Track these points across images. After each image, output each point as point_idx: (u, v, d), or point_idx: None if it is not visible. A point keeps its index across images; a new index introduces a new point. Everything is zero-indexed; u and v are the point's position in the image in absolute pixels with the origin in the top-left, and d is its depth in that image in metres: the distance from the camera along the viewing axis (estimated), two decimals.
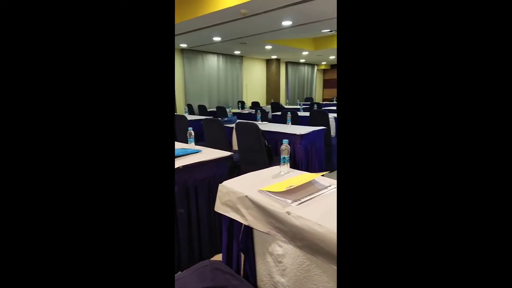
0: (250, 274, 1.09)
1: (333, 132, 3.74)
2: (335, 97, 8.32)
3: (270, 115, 4.88)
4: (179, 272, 1.50)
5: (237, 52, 6.60)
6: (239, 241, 1.12)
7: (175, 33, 4.26)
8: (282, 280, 0.97)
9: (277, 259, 0.98)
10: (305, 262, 0.89)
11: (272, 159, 2.37)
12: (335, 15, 3.34)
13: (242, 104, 6.30)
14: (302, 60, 8.46)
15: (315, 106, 5.98)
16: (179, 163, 1.51)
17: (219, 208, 1.19)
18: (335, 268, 0.80)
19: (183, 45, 5.48)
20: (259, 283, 1.08)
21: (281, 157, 1.30)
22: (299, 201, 0.97)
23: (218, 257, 1.63)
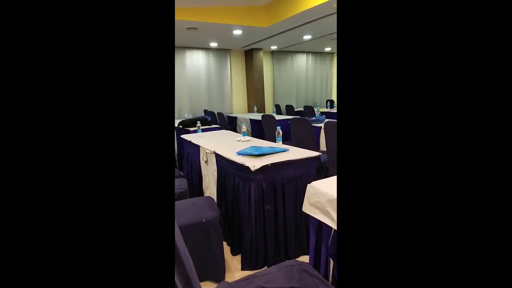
0: None
1: None
2: None
3: None
4: (266, 267, 1.54)
5: (327, 49, 6.37)
6: (328, 245, 1.07)
7: (267, 37, 4.42)
8: None
9: None
10: None
11: None
12: None
13: (331, 103, 6.05)
14: None
15: None
16: (267, 160, 1.55)
17: (307, 209, 1.16)
18: None
19: (274, 47, 5.65)
20: None
21: None
22: None
23: (304, 258, 1.60)
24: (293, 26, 3.85)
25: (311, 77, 6.66)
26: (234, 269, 1.60)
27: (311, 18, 3.44)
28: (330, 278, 1.07)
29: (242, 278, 0.99)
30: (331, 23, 3.76)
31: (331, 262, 1.07)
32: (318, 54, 6.66)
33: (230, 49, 5.46)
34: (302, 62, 6.48)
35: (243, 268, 1.58)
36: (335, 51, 6.68)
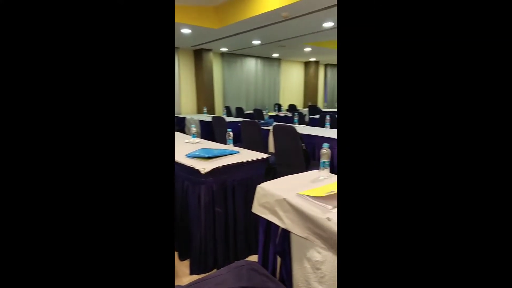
0: (286, 278, 1.08)
1: None
2: None
3: (307, 118, 4.80)
4: (215, 270, 1.54)
5: (275, 55, 6.61)
6: (275, 243, 1.12)
7: (216, 38, 4.40)
8: (320, 287, 0.94)
9: (315, 265, 0.96)
10: None
11: (309, 163, 2.32)
12: None
13: (278, 106, 6.29)
14: None
15: None
16: (218, 163, 1.55)
17: (257, 209, 1.20)
18: None
19: (224, 49, 5.65)
20: None
21: (321, 161, 1.27)
22: None
23: (253, 258, 1.64)
24: (242, 30, 3.91)
25: (260, 81, 6.83)
26: (182, 274, 1.56)
27: (260, 24, 3.55)
28: (278, 275, 1.12)
29: (192, 282, 0.98)
30: (279, 30, 3.93)
31: (278, 260, 1.12)
32: (267, 59, 6.87)
33: (179, 48, 5.28)
34: (251, 66, 6.61)
35: (192, 273, 1.55)
36: (283, 57, 6.98)
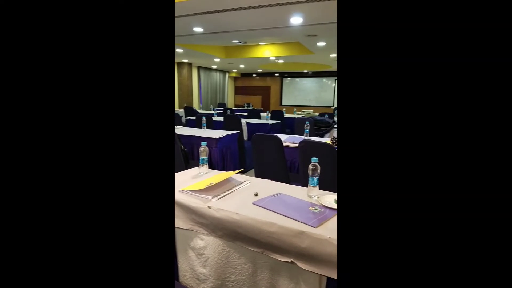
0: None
1: (245, 135, 4.00)
2: (246, 103, 8.80)
3: (183, 119, 4.81)
4: None
5: None
6: None
7: None
8: (204, 270, 1.05)
9: (199, 252, 1.05)
10: (224, 249, 0.99)
11: (188, 163, 2.39)
12: (245, 28, 3.58)
13: None
14: (214, 66, 8.62)
15: (228, 111, 6.22)
16: None
17: None
18: (252, 249, 0.93)
19: None
20: (181, 278, 1.12)
21: (200, 158, 1.37)
22: (219, 196, 1.07)
23: None
24: None
25: None
26: None
27: None
28: None
29: None
30: None
31: None
32: None
33: None
34: None
35: None
36: None
